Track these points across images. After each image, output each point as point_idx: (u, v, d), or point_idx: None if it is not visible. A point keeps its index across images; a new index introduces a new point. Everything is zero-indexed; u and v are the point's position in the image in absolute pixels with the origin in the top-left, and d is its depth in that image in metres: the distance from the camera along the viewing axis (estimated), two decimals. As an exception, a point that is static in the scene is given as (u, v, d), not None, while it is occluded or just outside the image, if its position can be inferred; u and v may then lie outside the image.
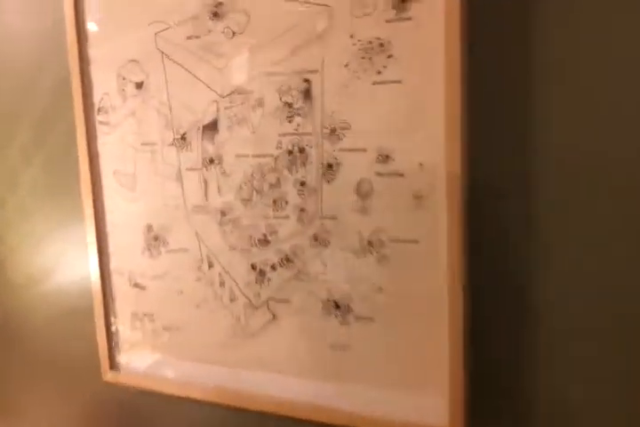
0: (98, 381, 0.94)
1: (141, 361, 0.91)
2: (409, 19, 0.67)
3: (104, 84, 0.85)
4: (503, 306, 0.70)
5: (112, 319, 0.92)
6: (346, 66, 0.71)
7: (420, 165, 0.69)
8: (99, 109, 0.86)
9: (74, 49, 0.84)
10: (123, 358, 0.92)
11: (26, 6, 0.91)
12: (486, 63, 0.66)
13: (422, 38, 0.66)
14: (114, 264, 0.90)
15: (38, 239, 0.99)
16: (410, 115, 0.69)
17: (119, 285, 0.90)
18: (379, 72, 0.69)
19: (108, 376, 0.93)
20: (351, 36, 0.70)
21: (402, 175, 0.70)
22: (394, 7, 0.67)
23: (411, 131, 0.69)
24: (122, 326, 0.91)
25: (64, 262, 0.97)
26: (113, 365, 0.92)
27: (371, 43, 0.69)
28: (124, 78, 0.83)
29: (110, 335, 0.92)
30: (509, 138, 0.66)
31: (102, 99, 0.85)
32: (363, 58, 0.70)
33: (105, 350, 0.92)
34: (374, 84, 0.70)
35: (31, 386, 1.06)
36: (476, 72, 0.65)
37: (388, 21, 0.68)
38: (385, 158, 0.71)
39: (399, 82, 0.69)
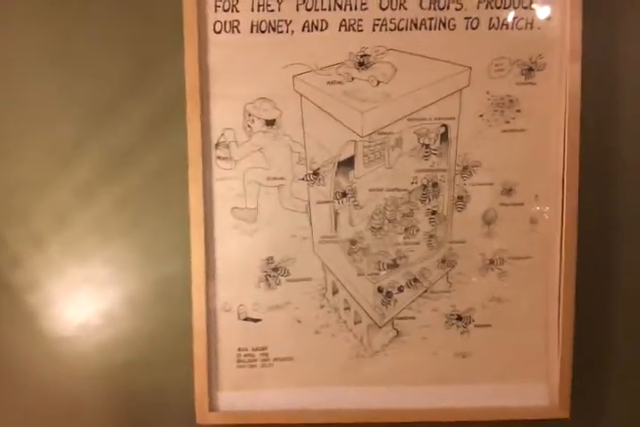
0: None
1: (248, 398, 0.89)
2: (534, 83, 0.86)
3: (226, 120, 0.86)
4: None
5: (214, 359, 0.89)
6: (480, 116, 0.86)
7: (536, 196, 0.88)
8: (217, 144, 0.86)
9: (194, 83, 0.84)
10: (225, 399, 0.89)
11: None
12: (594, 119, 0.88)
13: (544, 98, 0.86)
14: (220, 300, 0.88)
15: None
16: (531, 156, 0.87)
17: (225, 322, 0.88)
18: (507, 122, 0.87)
19: (208, 418, 0.89)
20: (487, 92, 0.86)
21: (521, 204, 0.88)
22: (522, 74, 0.86)
23: (530, 169, 0.88)
24: (224, 364, 0.89)
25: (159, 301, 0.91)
26: (212, 407, 0.89)
27: (502, 99, 0.86)
28: (249, 115, 0.86)
29: (211, 376, 0.89)
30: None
31: (223, 134, 0.86)
32: (495, 110, 0.86)
33: (204, 391, 0.88)
34: (503, 131, 0.87)
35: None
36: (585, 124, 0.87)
37: (517, 84, 0.86)
38: (508, 191, 0.88)
39: (524, 130, 0.87)
